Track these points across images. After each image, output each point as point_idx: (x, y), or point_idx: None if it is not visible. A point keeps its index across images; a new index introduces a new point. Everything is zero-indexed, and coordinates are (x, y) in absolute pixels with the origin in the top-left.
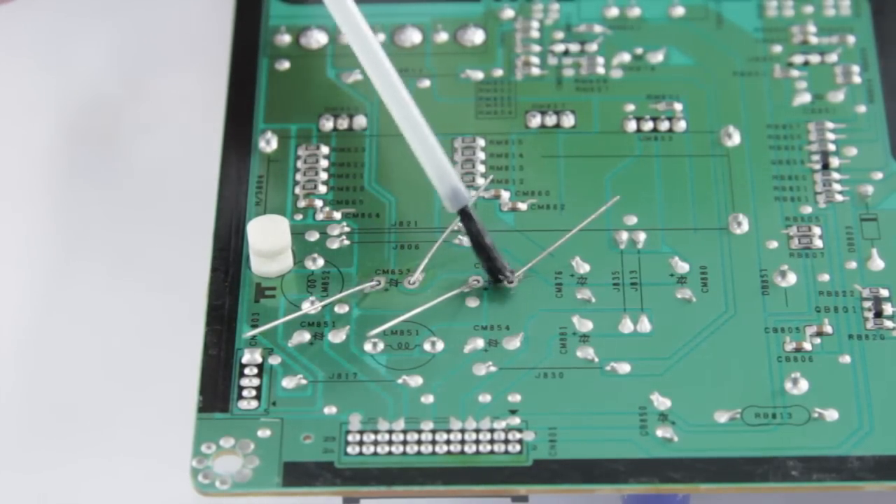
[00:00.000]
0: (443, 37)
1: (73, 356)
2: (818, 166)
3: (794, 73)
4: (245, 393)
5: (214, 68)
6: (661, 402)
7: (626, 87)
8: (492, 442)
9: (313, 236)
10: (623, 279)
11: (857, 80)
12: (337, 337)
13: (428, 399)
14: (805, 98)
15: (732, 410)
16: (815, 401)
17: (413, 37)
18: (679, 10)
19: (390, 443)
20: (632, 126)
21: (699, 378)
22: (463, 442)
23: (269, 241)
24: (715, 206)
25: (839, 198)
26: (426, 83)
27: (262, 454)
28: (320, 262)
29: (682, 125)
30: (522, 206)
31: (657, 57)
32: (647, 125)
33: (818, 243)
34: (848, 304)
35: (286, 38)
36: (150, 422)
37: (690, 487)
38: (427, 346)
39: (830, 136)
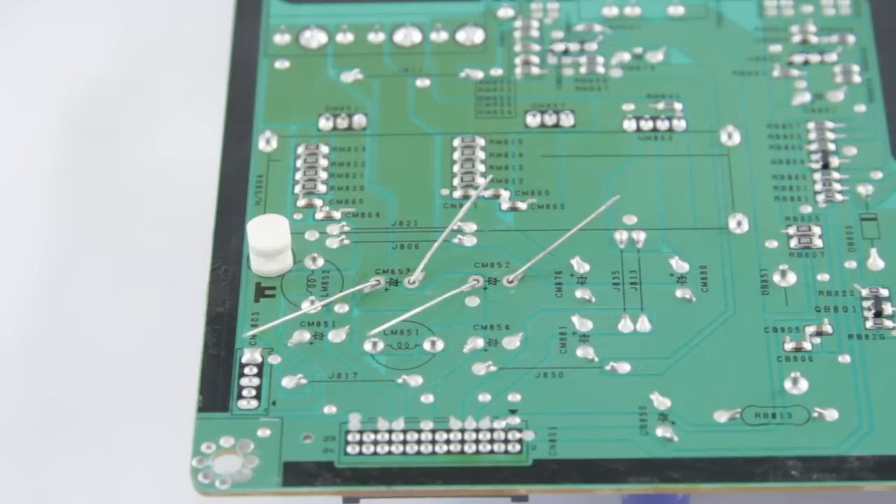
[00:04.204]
0: (442, 36)
1: (72, 355)
2: (818, 166)
3: (794, 72)
4: (245, 392)
5: (214, 68)
6: (661, 402)
7: (625, 86)
8: (492, 442)
9: (313, 236)
10: (623, 279)
11: (856, 79)
12: (337, 337)
13: (428, 399)
14: (805, 97)
15: (732, 410)
16: (815, 400)
17: (413, 36)
18: (679, 10)
19: (390, 442)
20: (631, 125)
21: (699, 378)
22: (463, 441)
23: (268, 240)
24: (715, 205)
25: (839, 197)
26: (426, 82)
27: (261, 454)
28: (320, 261)
29: (681, 125)
30: (522, 206)
31: (657, 56)
32: (647, 125)
33: (818, 243)
34: (848, 303)
35: (286, 38)
36: (150, 422)
37: (690, 487)
38: (427, 346)
39: (830, 135)
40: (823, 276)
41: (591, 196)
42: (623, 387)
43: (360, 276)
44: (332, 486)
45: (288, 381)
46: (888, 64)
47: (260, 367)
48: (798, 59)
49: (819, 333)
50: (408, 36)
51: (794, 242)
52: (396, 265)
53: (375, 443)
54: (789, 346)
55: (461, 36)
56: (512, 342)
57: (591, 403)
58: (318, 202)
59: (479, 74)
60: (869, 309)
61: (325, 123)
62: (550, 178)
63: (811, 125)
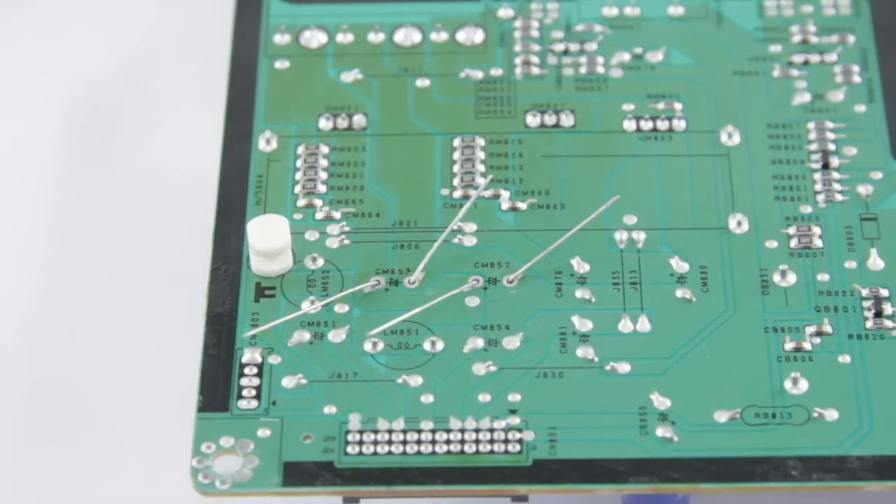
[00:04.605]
0: (442, 36)
1: (72, 355)
2: (818, 166)
3: (794, 72)
4: (245, 392)
5: (214, 68)
6: (661, 402)
7: (625, 86)
8: (492, 442)
9: (313, 236)
10: (623, 279)
11: (856, 79)
12: (337, 337)
13: (428, 399)
14: (805, 97)
15: (732, 410)
16: (815, 400)
17: (413, 36)
18: (679, 10)
19: (390, 442)
20: (631, 125)
21: (699, 378)
22: (463, 441)
23: (268, 240)
24: (715, 205)
25: (839, 197)
26: (426, 82)
27: (261, 454)
28: (320, 261)
29: (681, 125)
30: (522, 206)
31: (657, 56)
32: (647, 125)
33: (818, 243)
34: (848, 303)
35: (286, 38)
36: (150, 421)
37: (690, 487)
38: (427, 346)
39: (830, 135)
40: (823, 276)
41: (591, 196)
42: (623, 387)
43: (360, 276)
44: (332, 486)
45: (288, 381)
46: (888, 64)
47: (260, 367)
48: (798, 59)
49: (819, 333)
50: (408, 36)
51: (794, 242)
52: (396, 265)
53: (375, 443)
54: (789, 346)
55: (461, 36)
56: (512, 342)
57: (591, 403)
58: (318, 202)
59: (479, 74)
60: (869, 309)
61: (325, 123)
62: (550, 178)
63: (811, 125)
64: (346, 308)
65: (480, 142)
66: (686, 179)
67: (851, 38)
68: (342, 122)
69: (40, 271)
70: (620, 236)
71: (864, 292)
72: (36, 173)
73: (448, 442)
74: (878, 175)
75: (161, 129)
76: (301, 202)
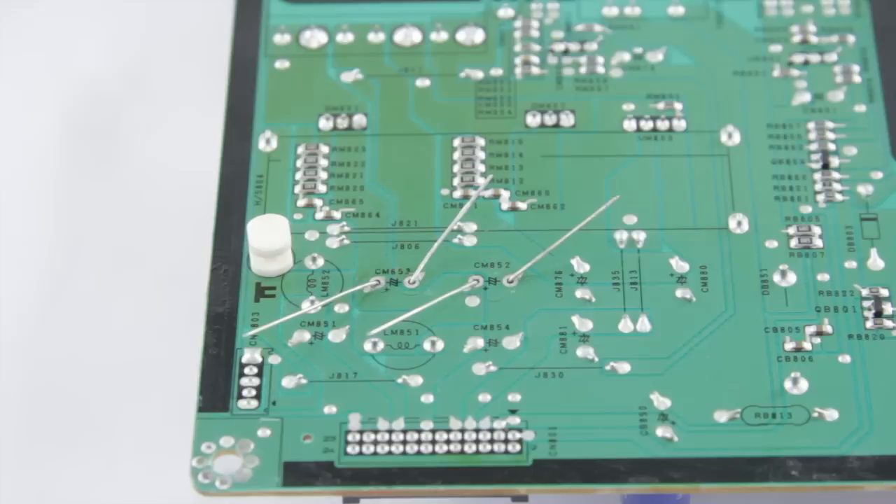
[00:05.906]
0: (442, 36)
1: (72, 355)
2: (818, 166)
3: (794, 72)
4: (245, 392)
5: (214, 68)
6: (661, 402)
7: (625, 86)
8: (492, 441)
9: (313, 236)
10: (623, 279)
11: (856, 79)
12: (337, 337)
13: (428, 399)
14: (805, 97)
15: (732, 410)
16: (815, 400)
17: (413, 36)
18: (679, 10)
19: (390, 442)
20: (631, 125)
21: (699, 378)
22: (463, 442)
23: (268, 240)
24: (715, 205)
25: (839, 197)
26: (426, 82)
27: (261, 454)
28: (320, 261)
29: (681, 125)
30: (522, 206)
31: (657, 56)
32: (647, 125)
33: (818, 243)
34: (848, 303)
35: (286, 38)
36: (150, 421)
37: (690, 487)
38: (427, 346)
39: (830, 135)
40: (823, 276)
41: (591, 196)
42: (623, 387)
43: (360, 276)
44: (332, 486)
45: (288, 381)
46: (888, 64)
47: (260, 367)
48: (798, 59)
49: (819, 333)
50: (408, 36)
51: (794, 242)
52: (396, 265)
53: (375, 443)
54: (789, 346)
55: (461, 36)
56: (512, 342)
57: (591, 403)
58: (318, 202)
59: (479, 74)
60: (869, 309)
61: (325, 123)
62: (550, 178)
63: (811, 125)
64: (346, 308)
65: (480, 142)
66: (686, 179)
67: (851, 38)
68: (342, 122)
69: (40, 271)
70: (620, 236)
71: (864, 292)
72: (36, 173)
73: (448, 442)
74: (878, 175)
75: (161, 129)
76: (301, 202)
